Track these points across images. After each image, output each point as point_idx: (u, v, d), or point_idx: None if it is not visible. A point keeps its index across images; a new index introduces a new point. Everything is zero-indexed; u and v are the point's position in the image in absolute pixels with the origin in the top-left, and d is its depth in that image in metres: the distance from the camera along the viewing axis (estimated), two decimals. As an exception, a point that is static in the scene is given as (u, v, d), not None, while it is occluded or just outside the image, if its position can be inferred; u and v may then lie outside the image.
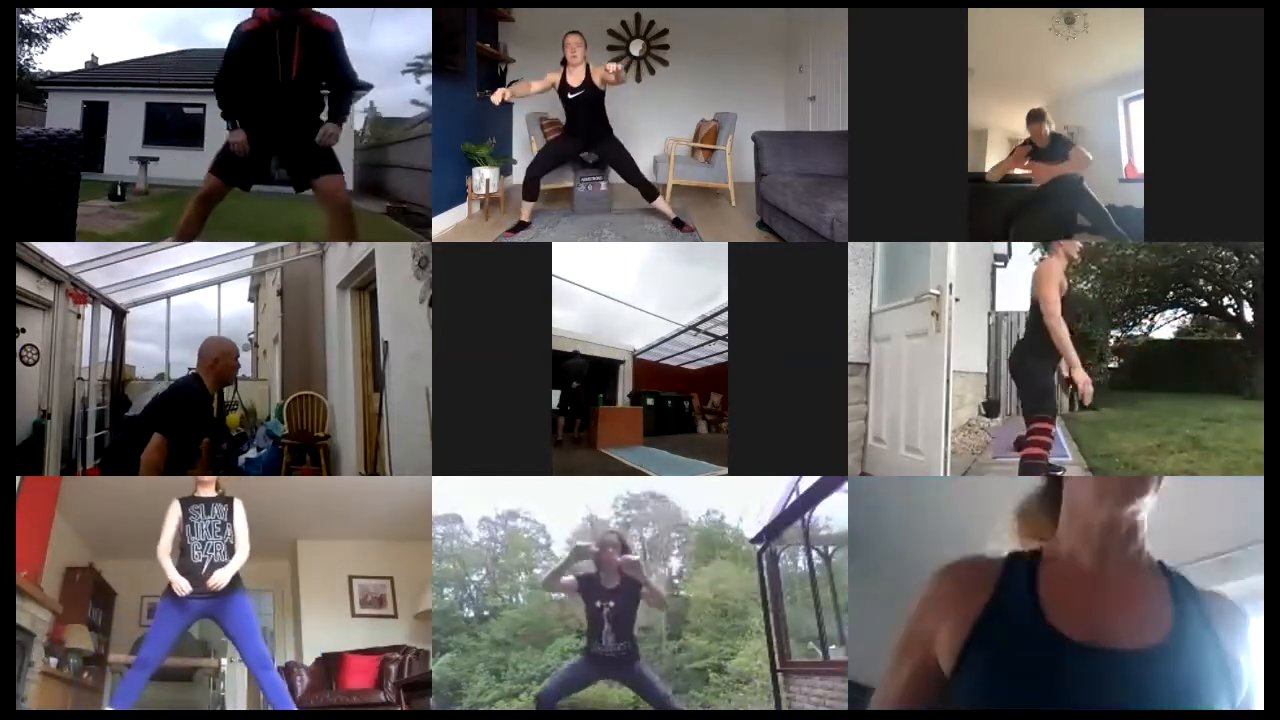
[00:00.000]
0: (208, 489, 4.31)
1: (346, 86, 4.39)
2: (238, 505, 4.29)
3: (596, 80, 5.58)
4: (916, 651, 1.77)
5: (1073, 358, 4.03)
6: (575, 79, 5.59)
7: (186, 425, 4.17)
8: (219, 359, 4.31)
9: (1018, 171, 4.63)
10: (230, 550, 4.21)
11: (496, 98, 5.48)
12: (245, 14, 4.18)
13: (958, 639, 1.71)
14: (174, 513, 4.22)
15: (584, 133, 5.73)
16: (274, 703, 4.27)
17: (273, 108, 4.21)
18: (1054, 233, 4.40)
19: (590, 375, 7.96)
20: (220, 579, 4.10)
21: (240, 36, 4.19)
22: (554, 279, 4.01)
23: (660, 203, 5.86)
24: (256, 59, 4.15)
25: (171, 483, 4.71)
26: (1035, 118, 4.55)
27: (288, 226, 5.49)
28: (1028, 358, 4.26)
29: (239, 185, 4.29)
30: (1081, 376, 4.00)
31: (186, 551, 4.16)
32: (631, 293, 8.10)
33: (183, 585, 4.07)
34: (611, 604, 4.39)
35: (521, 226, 5.66)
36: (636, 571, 4.41)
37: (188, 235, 4.36)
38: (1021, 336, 4.50)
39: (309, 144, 4.25)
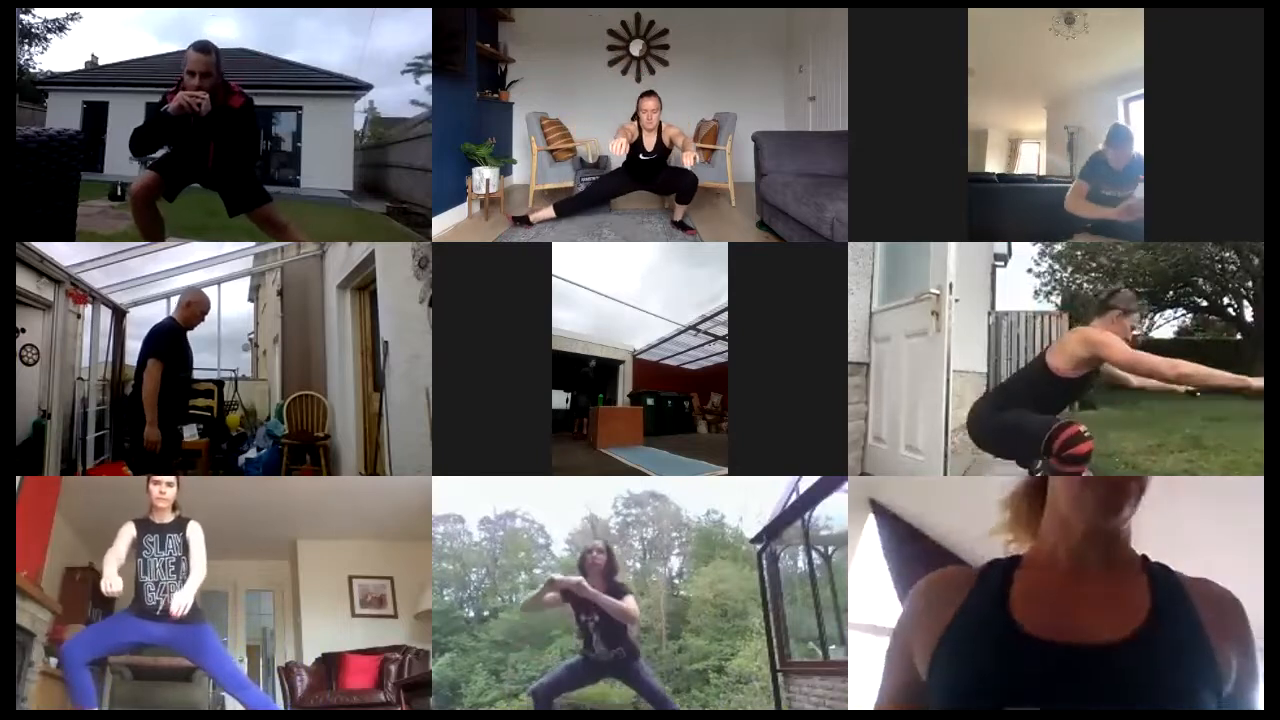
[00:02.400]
0: (163, 515, 4.05)
1: (248, 152, 4.48)
2: (193, 531, 4.05)
3: (666, 142, 5.65)
4: (899, 665, 1.80)
5: (1227, 378, 3.61)
6: (650, 143, 5.64)
7: (169, 350, 5.04)
8: (191, 303, 5.17)
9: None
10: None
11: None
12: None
13: (929, 648, 1.74)
14: (127, 535, 4.00)
15: (642, 180, 5.79)
16: (257, 705, 4.19)
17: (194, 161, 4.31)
18: (1055, 233, 4.39)
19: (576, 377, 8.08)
20: (180, 605, 3.90)
21: (159, 118, 4.27)
22: (556, 280, 4.01)
23: (679, 204, 5.84)
24: (176, 134, 4.27)
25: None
26: (1121, 139, 4.34)
27: (288, 226, 5.49)
28: (1021, 409, 3.78)
29: (166, 195, 4.32)
30: (1254, 384, 3.58)
31: (140, 592, 3.97)
32: (634, 295, 8.11)
33: (112, 583, 3.86)
34: (596, 618, 4.39)
35: (524, 222, 5.68)
36: (583, 592, 4.31)
37: (153, 235, 4.40)
38: (1004, 392, 4.07)
39: (236, 178, 4.34)
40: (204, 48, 4.24)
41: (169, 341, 5.07)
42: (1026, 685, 1.62)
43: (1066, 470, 3.46)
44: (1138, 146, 4.13)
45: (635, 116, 5.61)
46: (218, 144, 4.24)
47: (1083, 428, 3.51)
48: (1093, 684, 1.61)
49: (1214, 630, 1.67)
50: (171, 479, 4.13)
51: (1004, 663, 1.66)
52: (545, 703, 4.48)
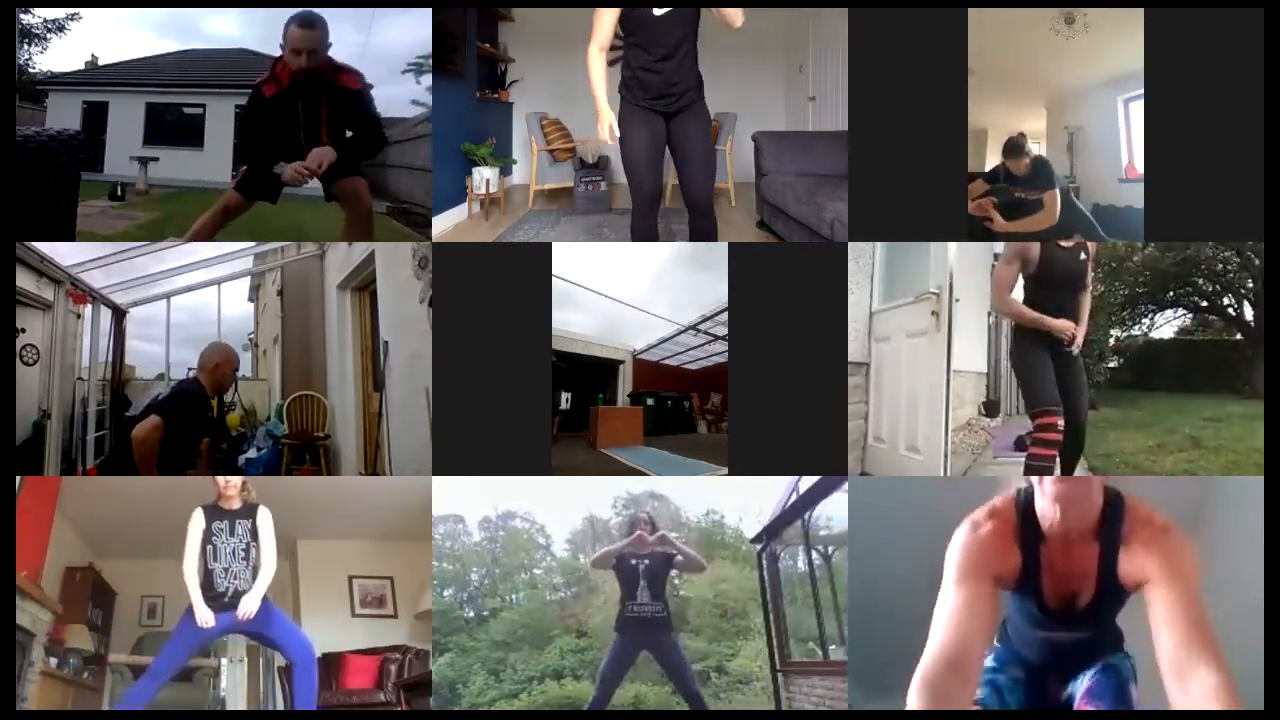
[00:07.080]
0: (232, 501, 4.03)
1: (376, 142, 4.20)
2: (264, 517, 4.05)
3: None
4: (984, 576, 2.16)
5: (1041, 319, 3.87)
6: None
7: (182, 418, 4.50)
8: (219, 365, 4.72)
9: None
10: (256, 574, 3.98)
11: (607, 134, 3.99)
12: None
13: (1013, 577, 2.27)
14: (197, 524, 3.97)
15: (666, 84, 4.03)
16: (305, 693, 4.08)
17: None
18: (1055, 232, 4.39)
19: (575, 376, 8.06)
20: (249, 607, 3.89)
21: (260, 102, 3.99)
22: (559, 281, 4.01)
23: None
24: (279, 125, 3.98)
25: (175, 483, 4.70)
26: (1013, 150, 4.42)
27: (288, 226, 5.48)
28: (1019, 351, 4.13)
29: (267, 199, 4.23)
30: (1062, 324, 3.85)
31: (210, 579, 3.93)
32: (640, 297, 8.10)
33: (207, 618, 3.85)
34: (647, 561, 4.67)
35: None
36: (669, 545, 4.75)
37: (204, 239, 4.37)
38: (1010, 334, 4.44)
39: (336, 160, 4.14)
40: (308, 21, 3.78)
41: (182, 409, 4.54)
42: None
43: (1034, 450, 3.86)
44: (1038, 150, 4.48)
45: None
46: (331, 125, 3.94)
47: (1059, 423, 3.82)
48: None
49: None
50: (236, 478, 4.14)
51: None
52: (606, 700, 4.58)
